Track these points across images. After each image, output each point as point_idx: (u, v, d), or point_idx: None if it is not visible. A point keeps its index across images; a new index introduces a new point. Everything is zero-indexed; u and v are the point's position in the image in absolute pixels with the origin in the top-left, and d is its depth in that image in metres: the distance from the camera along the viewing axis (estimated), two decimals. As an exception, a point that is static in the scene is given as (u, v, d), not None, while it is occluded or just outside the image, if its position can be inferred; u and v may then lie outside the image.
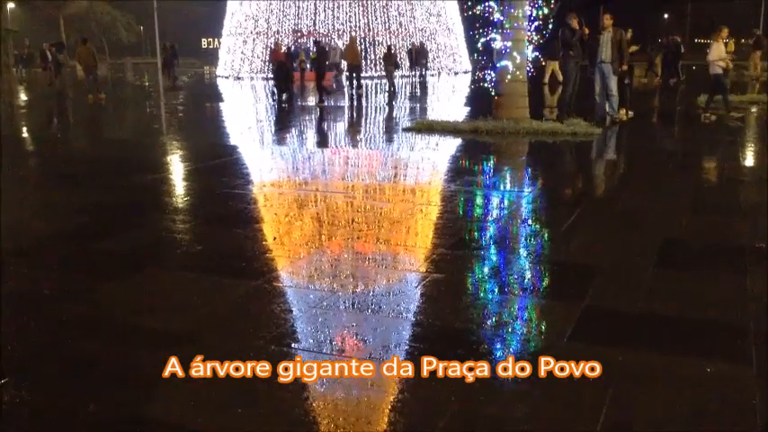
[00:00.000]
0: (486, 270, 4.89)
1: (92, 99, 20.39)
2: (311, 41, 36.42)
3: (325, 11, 37.87)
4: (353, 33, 34.52)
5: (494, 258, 5.16)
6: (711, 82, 14.73)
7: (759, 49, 28.23)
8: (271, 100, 21.11)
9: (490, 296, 4.35)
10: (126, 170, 9.25)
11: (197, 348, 3.52)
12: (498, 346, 3.58)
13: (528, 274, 4.79)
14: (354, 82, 25.10)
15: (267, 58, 32.71)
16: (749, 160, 9.76)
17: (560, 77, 14.92)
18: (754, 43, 28.47)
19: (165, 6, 39.13)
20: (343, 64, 33.78)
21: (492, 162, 10.03)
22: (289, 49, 27.34)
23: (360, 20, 37.60)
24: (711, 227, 6.01)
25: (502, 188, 8.05)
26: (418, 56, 31.25)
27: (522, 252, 5.33)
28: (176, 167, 9.58)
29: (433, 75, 37.27)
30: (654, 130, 14.02)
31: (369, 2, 37.75)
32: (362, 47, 34.74)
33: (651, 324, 3.84)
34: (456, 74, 38.63)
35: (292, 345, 3.59)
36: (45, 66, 28.13)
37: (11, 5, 57.36)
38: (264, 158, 10.64)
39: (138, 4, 56.93)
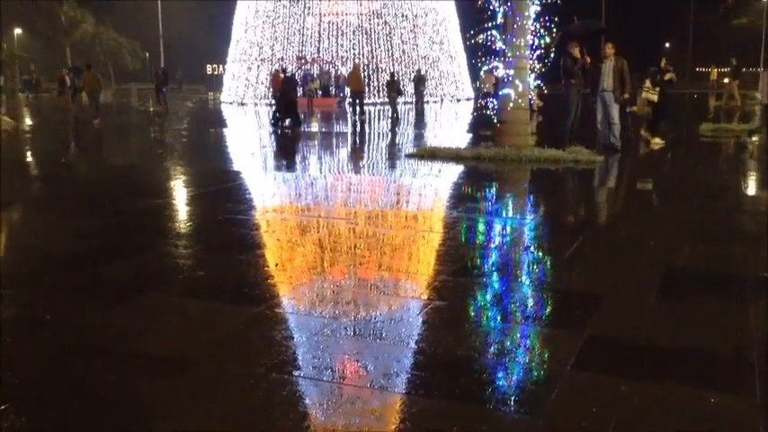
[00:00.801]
0: (488, 297, 4.88)
1: (97, 124, 20.62)
2: (315, 67, 36.75)
3: (329, 38, 38.26)
4: (357, 60, 34.84)
5: (496, 286, 5.15)
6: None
7: (736, 78, 28.79)
8: (272, 126, 21.22)
9: (492, 324, 4.33)
10: (128, 195, 9.28)
11: (197, 375, 3.50)
12: (500, 374, 3.56)
13: (530, 302, 4.77)
14: (357, 108, 25.27)
15: (269, 85, 32.95)
16: (752, 188, 9.77)
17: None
18: (732, 73, 28.96)
19: (170, 33, 39.72)
20: (347, 90, 34.10)
21: (494, 189, 10.05)
22: (292, 75, 27.58)
23: (363, 47, 37.96)
24: (714, 255, 5.99)
25: (504, 215, 8.05)
26: (417, 83, 31.45)
27: (525, 279, 5.31)
28: (179, 193, 9.60)
29: (435, 101, 37.51)
30: (656, 157, 14.06)
31: (372, 29, 38.13)
32: (366, 74, 35.01)
33: (654, 354, 3.81)
34: (458, 101, 38.88)
35: (293, 372, 3.57)
36: (62, 91, 28.39)
37: (17, 31, 58.01)
38: (267, 184, 10.68)
39: (143, 30, 57.60)
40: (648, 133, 14.67)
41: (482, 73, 22.63)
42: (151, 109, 29.94)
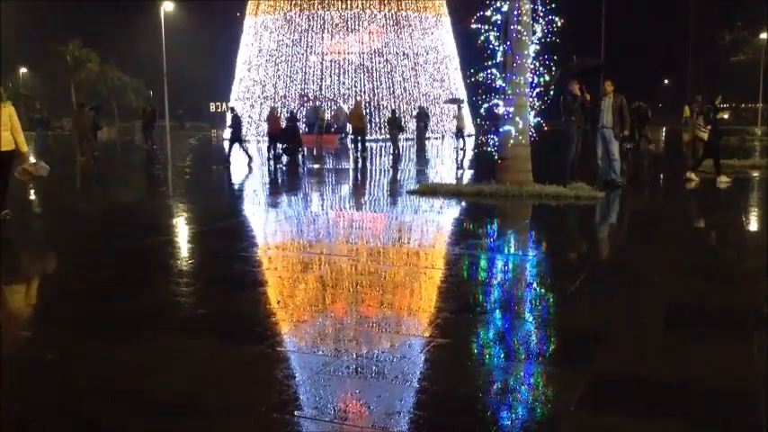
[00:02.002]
0: (491, 335, 4.85)
1: (83, 162, 20.89)
2: (316, 104, 37.10)
3: (331, 76, 38.72)
4: (359, 98, 35.21)
5: (499, 323, 5.13)
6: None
7: (700, 115, 29.14)
8: (274, 162, 21.36)
9: (495, 362, 4.30)
10: (130, 233, 9.30)
11: (198, 414, 3.47)
12: (504, 414, 3.52)
13: (533, 340, 4.74)
14: (359, 145, 25.45)
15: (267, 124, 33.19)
16: (752, 225, 9.77)
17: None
18: (699, 110, 29.39)
19: (174, 71, 40.16)
20: (349, 127, 34.37)
21: (496, 225, 10.06)
22: (292, 113, 27.84)
23: (365, 84, 38.39)
24: (716, 291, 5.97)
25: (506, 251, 8.05)
26: (418, 120, 31.68)
27: (528, 317, 5.29)
28: (181, 230, 9.62)
29: (437, 138, 37.77)
30: (657, 193, 14.10)
31: (374, 67, 38.59)
32: (367, 111, 35.34)
33: (659, 392, 3.78)
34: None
35: (295, 412, 3.54)
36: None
37: (23, 70, 58.79)
38: (269, 221, 10.70)
39: (147, 69, 58.30)
40: (692, 173, 14.12)
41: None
42: (144, 146, 30.15)
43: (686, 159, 16.10)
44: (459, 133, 27.87)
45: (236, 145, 21.12)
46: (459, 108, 30.98)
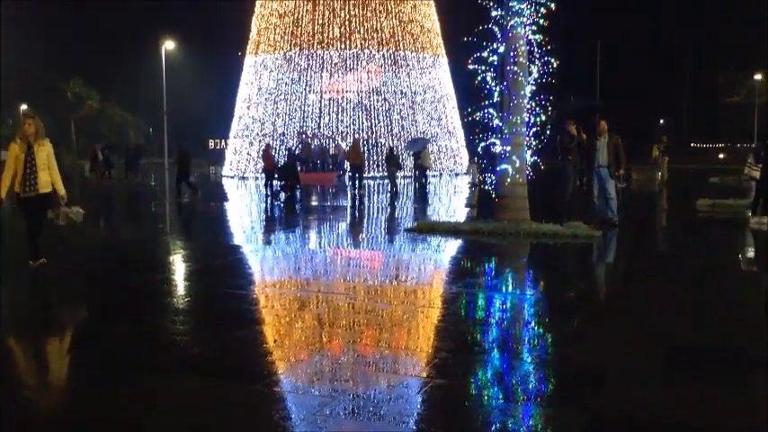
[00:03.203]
0: (489, 375, 4.82)
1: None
2: (315, 142, 37.36)
3: (329, 114, 39.04)
4: (357, 135, 35.48)
5: (497, 363, 5.10)
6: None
7: (667, 155, 29.67)
8: (271, 199, 21.41)
9: (494, 403, 4.27)
10: (128, 270, 9.27)
11: (193, 457, 3.44)
12: (502, 456, 3.49)
13: (532, 380, 4.71)
14: (356, 182, 25.56)
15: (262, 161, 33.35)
16: (748, 264, 9.78)
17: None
18: (664, 149, 29.84)
19: (174, 108, 40.67)
20: (347, 164, 34.53)
21: (494, 264, 10.05)
22: (290, 151, 28.04)
23: (363, 122, 38.68)
24: (714, 331, 5.96)
25: (504, 290, 8.03)
26: (416, 158, 31.78)
27: (526, 357, 5.26)
28: (178, 267, 9.60)
29: (434, 176, 37.94)
30: (653, 232, 14.14)
31: (372, 106, 38.95)
32: (365, 148, 35.55)
33: (659, 434, 3.75)
34: (457, 175, 39.31)
35: (291, 453, 3.50)
36: (93, 166, 28.64)
37: (23, 106, 59.19)
38: (267, 258, 10.69)
39: (148, 106, 58.76)
40: (757, 216, 13.31)
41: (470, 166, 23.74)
42: (136, 182, 30.29)
43: (660, 197, 16.11)
44: (422, 172, 27.67)
45: (183, 182, 21.25)
46: (423, 147, 30.83)
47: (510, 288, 8.22)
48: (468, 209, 18.05)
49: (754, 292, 7.77)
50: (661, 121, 76.22)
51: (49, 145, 8.55)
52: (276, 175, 23.36)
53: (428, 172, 28.53)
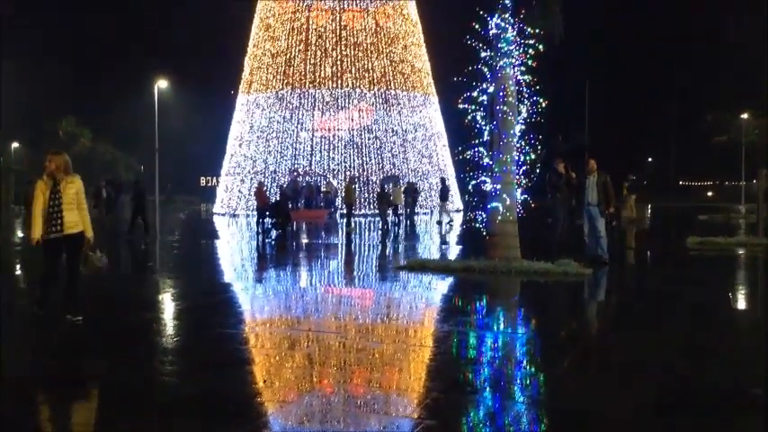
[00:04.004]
0: (480, 416, 4.79)
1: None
2: (304, 179, 37.48)
3: (321, 151, 39.28)
4: (350, 173, 35.69)
5: (488, 403, 5.06)
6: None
7: (633, 193, 30.09)
8: (263, 237, 21.39)
9: (485, 444, 4.23)
10: (117, 308, 9.20)
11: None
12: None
13: (524, 421, 4.68)
14: (346, 219, 25.62)
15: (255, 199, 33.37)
16: (744, 302, 9.81)
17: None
18: (629, 188, 30.23)
19: (166, 146, 40.73)
20: (338, 201, 34.65)
21: (485, 302, 10.04)
22: (282, 188, 28.15)
23: (354, 160, 38.91)
24: (706, 371, 5.95)
25: (495, 329, 8.01)
26: (407, 195, 31.88)
27: (518, 397, 5.23)
28: (168, 306, 9.54)
29: (425, 213, 38.04)
30: (644, 269, 14.17)
31: (363, 143, 39.23)
32: (357, 186, 35.71)
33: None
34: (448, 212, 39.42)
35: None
36: (97, 203, 28.47)
37: (15, 145, 59.23)
38: (257, 296, 10.63)
39: (140, 142, 58.94)
40: None
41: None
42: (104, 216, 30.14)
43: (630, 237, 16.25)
44: (394, 210, 27.67)
45: (139, 217, 21.28)
46: (395, 184, 30.97)
47: (502, 327, 8.20)
48: (459, 246, 18.08)
49: (745, 331, 7.78)
50: (649, 159, 77.06)
51: (80, 182, 7.87)
52: (268, 213, 23.41)
53: (399, 210, 28.37)
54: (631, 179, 31.09)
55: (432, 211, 39.02)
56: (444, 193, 29.56)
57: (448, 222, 27.78)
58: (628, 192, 29.76)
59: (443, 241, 20.01)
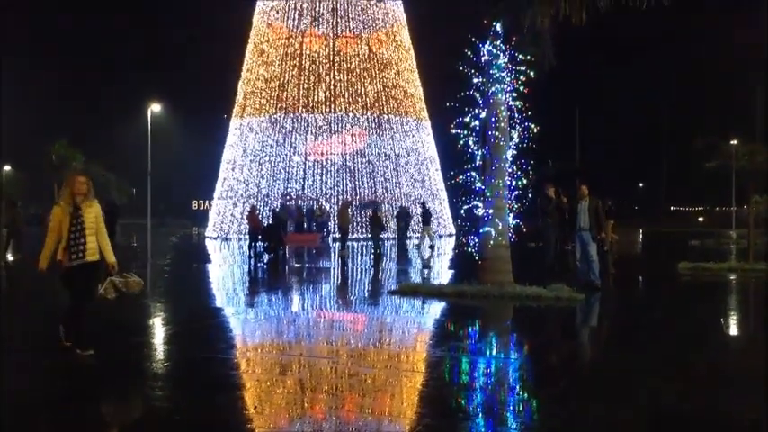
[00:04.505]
0: (473, 442, 4.76)
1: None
2: (296, 203, 37.48)
3: (314, 175, 39.33)
4: (343, 197, 35.71)
5: (482, 429, 5.03)
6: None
7: (612, 218, 30.08)
8: (255, 260, 21.33)
9: (478, 471, 4.20)
10: (106, 332, 9.13)
11: None
12: None
13: (516, 447, 4.65)
14: (340, 243, 25.58)
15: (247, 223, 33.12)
16: (737, 329, 9.82)
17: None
18: (608, 213, 30.16)
19: (158, 169, 40.88)
20: (331, 225, 34.61)
21: (477, 327, 10.01)
22: (275, 212, 28.09)
23: (347, 184, 38.97)
24: (700, 396, 5.94)
25: (488, 354, 7.99)
26: (399, 219, 31.76)
27: (511, 422, 5.21)
28: (158, 330, 9.47)
29: (418, 238, 38.03)
30: (636, 294, 14.18)
31: (356, 168, 39.33)
32: (349, 210, 35.72)
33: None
34: (440, 237, 39.46)
35: None
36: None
37: (6, 168, 59.09)
38: (249, 321, 10.57)
39: (133, 165, 58.91)
40: None
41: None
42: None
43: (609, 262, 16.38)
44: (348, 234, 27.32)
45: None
46: (375, 211, 30.62)
47: (494, 352, 8.18)
48: (451, 270, 18.06)
49: (738, 356, 7.78)
50: (640, 185, 77.53)
51: (98, 205, 7.46)
52: (260, 237, 23.35)
53: (381, 234, 27.93)
54: (608, 205, 31.10)
55: (435, 236, 39.06)
56: (426, 218, 29.32)
57: (429, 246, 27.66)
58: (606, 217, 29.73)
59: (425, 265, 19.99)
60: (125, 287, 7.76)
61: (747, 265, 17.28)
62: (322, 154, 39.50)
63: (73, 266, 7.16)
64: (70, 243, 7.12)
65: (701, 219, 64.75)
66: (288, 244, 25.66)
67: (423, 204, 31.03)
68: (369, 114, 39.96)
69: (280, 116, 39.92)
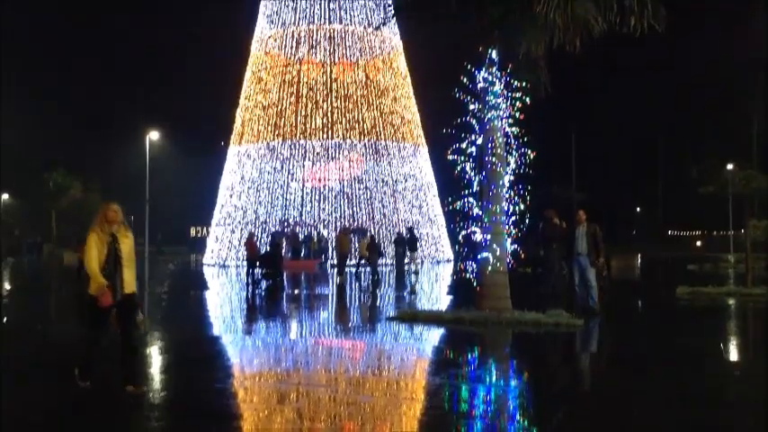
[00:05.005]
0: (473, 472, 4.71)
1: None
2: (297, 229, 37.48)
3: (311, 202, 39.38)
4: (344, 224, 35.73)
5: (481, 458, 4.99)
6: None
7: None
8: (253, 287, 21.26)
9: (478, 501, 4.15)
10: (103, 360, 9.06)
11: None
12: None
13: (517, 477, 4.61)
14: (337, 269, 25.52)
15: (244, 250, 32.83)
16: (737, 354, 9.78)
17: None
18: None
19: (156, 196, 40.94)
20: (329, 252, 34.56)
21: (476, 353, 9.96)
22: (273, 239, 28.08)
23: (345, 210, 39.01)
24: (699, 424, 5.90)
25: (487, 381, 7.94)
26: (397, 245, 31.40)
27: (510, 451, 5.16)
28: (155, 359, 9.40)
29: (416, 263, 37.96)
30: (635, 320, 14.12)
31: (354, 194, 39.39)
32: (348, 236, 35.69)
33: None
34: (438, 263, 39.41)
35: None
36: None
37: (5, 196, 59.12)
38: (247, 349, 10.51)
39: (131, 193, 58.99)
40: None
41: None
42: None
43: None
44: (365, 262, 26.57)
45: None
46: (362, 238, 30.26)
47: (494, 379, 8.13)
48: (450, 296, 18.01)
49: (738, 382, 7.74)
50: (638, 210, 77.69)
51: (132, 236, 7.09)
52: (258, 263, 23.32)
53: (362, 261, 27.55)
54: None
55: (422, 261, 38.99)
56: (412, 243, 28.78)
57: (414, 272, 27.37)
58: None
59: (411, 291, 19.91)
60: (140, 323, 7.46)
61: (746, 290, 17.26)
62: (320, 180, 39.59)
63: (111, 302, 6.76)
64: (107, 276, 6.73)
65: (699, 243, 64.83)
66: (286, 270, 25.62)
67: (409, 230, 30.50)
68: (366, 141, 40.14)
69: (277, 143, 40.08)
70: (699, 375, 8.25)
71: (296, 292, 21.14)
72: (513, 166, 13.10)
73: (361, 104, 40.29)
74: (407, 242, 28.74)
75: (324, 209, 39.19)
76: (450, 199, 13.97)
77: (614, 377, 8.26)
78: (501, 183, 12.92)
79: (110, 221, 6.85)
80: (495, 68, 13.05)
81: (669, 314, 14.65)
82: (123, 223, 6.99)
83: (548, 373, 8.60)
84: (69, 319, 14.02)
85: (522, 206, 13.07)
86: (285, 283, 23.04)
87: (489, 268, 12.85)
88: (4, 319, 13.61)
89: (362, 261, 26.96)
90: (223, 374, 8.30)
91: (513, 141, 13.10)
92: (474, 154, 13.14)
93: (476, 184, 13.13)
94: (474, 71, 13.15)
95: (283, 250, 31.85)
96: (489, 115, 12.93)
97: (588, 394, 7.44)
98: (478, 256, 13.08)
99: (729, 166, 23.41)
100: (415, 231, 31.32)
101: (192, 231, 64.22)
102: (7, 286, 21.76)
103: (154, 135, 33.03)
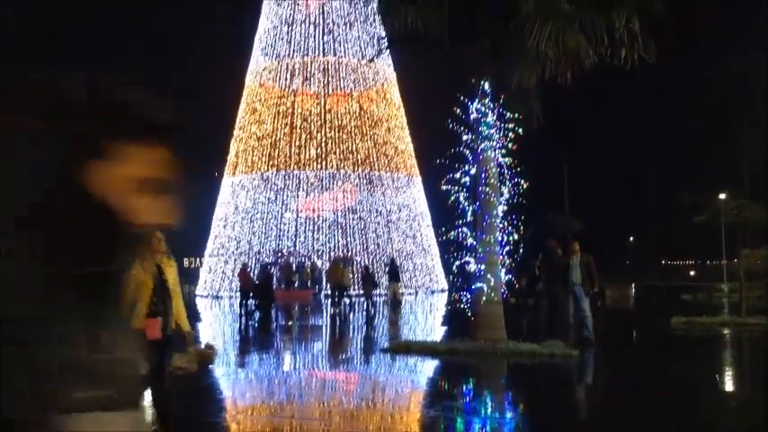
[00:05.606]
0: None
1: None
2: (291, 259, 37.37)
3: (305, 232, 39.33)
4: (334, 254, 35.64)
5: (476, 493, 4.92)
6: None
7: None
8: (246, 318, 21.12)
9: None
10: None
11: None
12: None
13: None
14: (332, 300, 25.39)
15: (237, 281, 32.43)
16: (730, 385, 9.74)
17: None
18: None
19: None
20: (323, 282, 34.42)
21: (471, 385, 9.88)
22: (265, 269, 27.99)
23: (339, 241, 38.95)
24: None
25: (483, 413, 7.86)
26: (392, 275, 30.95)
27: (506, 485, 5.09)
28: (145, 392, 9.28)
29: (410, 293, 37.85)
30: (630, 350, 14.07)
31: (348, 224, 39.39)
32: (341, 266, 35.59)
33: None
34: (433, 293, 39.29)
35: None
36: None
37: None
38: (239, 381, 10.40)
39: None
40: None
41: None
42: None
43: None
44: (340, 291, 26.16)
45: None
46: (344, 266, 29.84)
47: (489, 411, 8.05)
48: (444, 327, 17.92)
49: (733, 412, 7.68)
50: (631, 239, 77.86)
51: (176, 264, 6.26)
52: (251, 294, 23.19)
53: (345, 291, 27.27)
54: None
55: (417, 291, 38.86)
56: (394, 273, 28.12)
57: (396, 302, 26.70)
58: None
59: (391, 322, 19.84)
60: (203, 358, 6.93)
61: (740, 319, 17.24)
62: (314, 211, 39.60)
63: (159, 338, 5.91)
64: (154, 309, 5.83)
65: (692, 272, 64.89)
66: (279, 301, 25.48)
67: (392, 260, 29.86)
68: (360, 171, 40.25)
69: (271, 173, 40.15)
70: (694, 406, 8.19)
71: (289, 323, 21.01)
72: (506, 195, 13.14)
73: (355, 135, 40.51)
74: (389, 273, 28.15)
75: (318, 239, 39.13)
76: (444, 229, 13.98)
77: (610, 408, 8.19)
78: (495, 213, 12.94)
79: (155, 251, 5.89)
80: (487, 100, 13.16)
81: (664, 344, 14.59)
82: (168, 250, 6.12)
83: (543, 404, 8.53)
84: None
85: (515, 236, 13.08)
86: (277, 313, 22.90)
87: (484, 298, 12.81)
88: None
89: (336, 290, 26.20)
90: (215, 407, 8.19)
91: (506, 171, 13.16)
92: (467, 184, 13.18)
93: (469, 213, 13.15)
94: (467, 102, 13.25)
95: (275, 280, 31.76)
96: (482, 146, 13.00)
97: (584, 424, 7.37)
98: (473, 287, 13.05)
99: (722, 196, 23.51)
100: (396, 261, 30.68)
101: (186, 262, 63.94)
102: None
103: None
